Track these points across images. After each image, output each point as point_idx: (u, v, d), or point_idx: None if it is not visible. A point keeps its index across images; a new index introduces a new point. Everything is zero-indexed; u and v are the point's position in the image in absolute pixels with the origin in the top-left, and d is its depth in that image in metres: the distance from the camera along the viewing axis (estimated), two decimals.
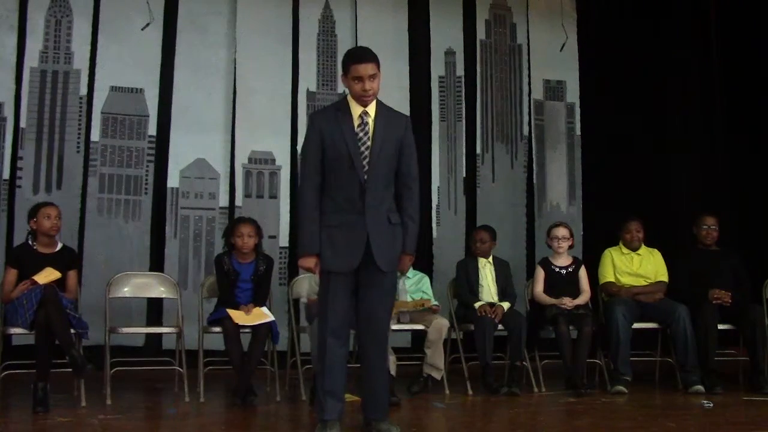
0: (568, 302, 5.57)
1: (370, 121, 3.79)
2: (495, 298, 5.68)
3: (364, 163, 3.73)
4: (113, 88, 6.47)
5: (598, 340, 5.64)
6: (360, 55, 3.79)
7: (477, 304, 5.54)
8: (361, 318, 3.83)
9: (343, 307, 3.75)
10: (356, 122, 3.77)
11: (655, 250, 6.01)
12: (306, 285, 5.39)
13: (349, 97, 3.83)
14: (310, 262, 3.76)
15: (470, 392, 5.29)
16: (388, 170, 3.79)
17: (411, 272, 5.64)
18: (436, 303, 5.55)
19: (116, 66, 6.47)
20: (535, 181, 7.46)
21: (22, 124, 6.24)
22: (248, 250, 5.20)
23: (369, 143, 3.75)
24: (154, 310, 6.27)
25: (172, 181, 6.55)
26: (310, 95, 6.94)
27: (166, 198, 6.53)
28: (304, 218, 3.78)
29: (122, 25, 6.51)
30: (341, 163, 3.73)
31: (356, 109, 3.79)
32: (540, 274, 5.83)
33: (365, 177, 3.73)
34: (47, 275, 4.80)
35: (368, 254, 3.72)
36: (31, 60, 6.31)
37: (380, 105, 3.85)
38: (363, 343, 3.87)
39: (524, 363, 5.48)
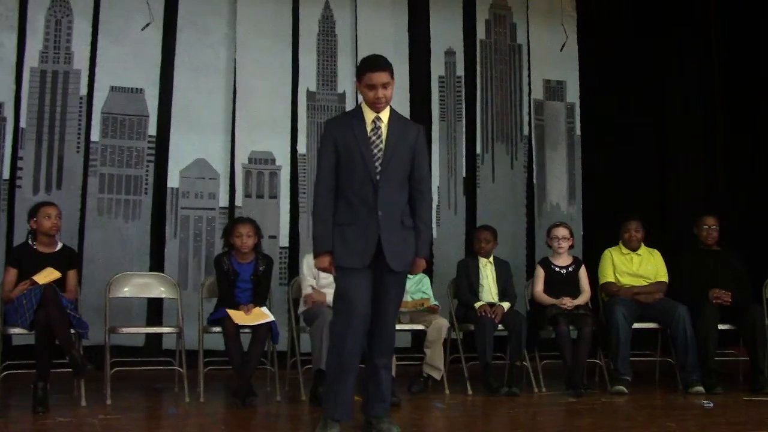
0: (568, 302, 5.57)
1: (383, 126, 3.85)
2: (495, 298, 5.67)
3: (377, 164, 3.79)
4: (113, 88, 6.48)
5: (598, 340, 5.64)
6: (374, 63, 3.84)
7: (477, 304, 5.54)
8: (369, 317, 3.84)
9: (364, 304, 3.74)
10: (369, 126, 3.84)
11: (655, 251, 6.01)
12: (302, 289, 5.37)
13: (363, 105, 3.89)
14: (324, 261, 3.79)
15: (470, 392, 5.29)
16: (401, 174, 3.84)
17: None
18: (435, 303, 5.55)
19: (116, 66, 6.47)
20: (535, 181, 7.46)
21: (22, 124, 6.24)
22: (247, 250, 5.20)
23: (381, 146, 3.81)
24: (154, 310, 6.27)
25: (172, 181, 6.56)
26: (310, 95, 6.94)
27: (166, 198, 6.53)
28: (318, 220, 3.83)
29: (122, 25, 6.51)
30: (354, 165, 3.78)
31: (369, 115, 3.85)
32: (540, 274, 5.83)
33: (378, 178, 3.77)
34: (47, 275, 4.80)
35: (380, 255, 3.75)
36: (31, 60, 6.31)
37: (394, 112, 3.92)
38: (370, 342, 3.87)
39: (524, 363, 5.48)
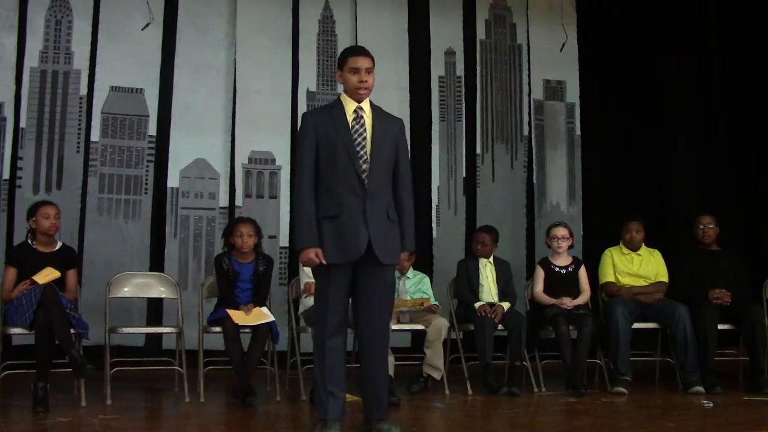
0: (568, 302, 5.57)
1: (365, 115, 3.81)
2: (495, 298, 5.67)
3: (362, 153, 3.74)
4: (113, 88, 6.48)
5: (598, 340, 5.64)
6: (357, 49, 3.88)
7: (477, 304, 5.54)
8: (360, 317, 3.82)
9: (342, 303, 3.74)
10: (350, 117, 3.79)
11: (656, 251, 6.00)
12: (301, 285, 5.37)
13: (342, 95, 3.86)
14: (310, 253, 3.69)
15: (470, 392, 5.29)
16: (386, 165, 3.80)
17: (411, 272, 5.64)
18: (435, 302, 5.55)
19: (116, 66, 6.47)
20: (535, 181, 7.46)
21: (22, 124, 6.24)
22: (248, 250, 5.20)
23: (366, 134, 3.77)
24: (154, 310, 6.27)
25: (172, 181, 6.56)
26: (310, 95, 6.94)
27: (166, 198, 6.53)
28: (301, 213, 3.75)
29: (122, 25, 6.51)
30: (337, 156, 3.73)
31: (350, 105, 3.82)
32: (540, 274, 5.83)
33: (363, 167, 3.73)
34: (47, 275, 4.80)
35: (367, 248, 3.71)
36: (31, 60, 6.31)
37: (374, 104, 3.88)
38: (363, 342, 3.86)
39: (524, 363, 5.47)
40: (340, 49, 6.96)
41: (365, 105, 3.83)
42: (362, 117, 3.80)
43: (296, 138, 6.71)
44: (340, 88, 6.87)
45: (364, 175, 3.72)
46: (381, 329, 3.84)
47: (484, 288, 5.72)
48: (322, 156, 3.75)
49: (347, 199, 3.72)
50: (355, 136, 3.76)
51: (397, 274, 3.93)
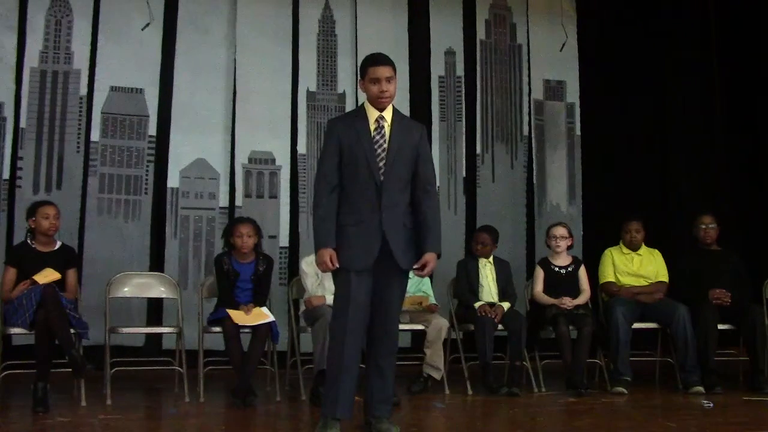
0: (568, 302, 5.57)
1: (386, 125, 3.84)
2: (495, 298, 5.67)
3: (381, 164, 3.79)
4: (113, 88, 6.48)
5: (598, 340, 5.64)
6: (377, 58, 3.87)
7: (477, 304, 5.54)
8: (373, 318, 3.83)
9: (364, 304, 3.75)
10: (372, 126, 3.83)
11: (656, 251, 6.00)
12: (305, 287, 5.38)
13: (366, 104, 3.89)
14: (325, 255, 3.74)
15: (470, 392, 5.29)
16: (404, 174, 3.84)
17: (411, 272, 5.63)
18: (434, 302, 5.55)
19: (116, 66, 6.47)
20: (535, 181, 7.46)
21: (22, 124, 6.24)
22: (247, 250, 5.20)
23: (385, 146, 3.81)
24: (154, 310, 6.28)
25: (172, 181, 6.56)
26: (310, 95, 6.94)
27: (166, 198, 6.54)
28: (319, 216, 3.80)
29: (122, 25, 6.52)
30: (358, 165, 3.78)
31: (372, 114, 3.85)
32: (540, 274, 5.83)
33: (381, 178, 3.78)
34: (47, 275, 4.79)
35: (384, 253, 3.75)
36: (31, 60, 6.31)
37: (396, 112, 3.92)
38: (373, 342, 3.86)
39: (524, 363, 5.48)
40: (340, 49, 7.02)
41: (387, 113, 3.86)
42: (383, 127, 3.83)
43: (296, 138, 6.83)
44: (340, 87, 7.00)
45: (381, 186, 3.77)
46: (392, 331, 3.87)
47: (484, 288, 5.73)
48: (345, 164, 3.81)
49: (364, 208, 3.77)
50: (375, 146, 3.80)
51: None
